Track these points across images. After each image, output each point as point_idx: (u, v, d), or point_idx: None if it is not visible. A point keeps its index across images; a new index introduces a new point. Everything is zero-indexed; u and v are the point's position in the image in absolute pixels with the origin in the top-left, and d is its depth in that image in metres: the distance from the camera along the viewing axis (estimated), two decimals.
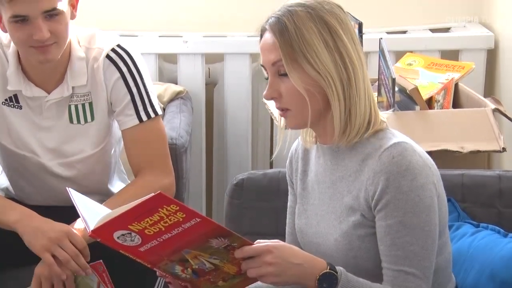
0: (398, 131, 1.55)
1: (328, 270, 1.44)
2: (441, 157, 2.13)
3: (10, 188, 2.13)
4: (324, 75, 1.48)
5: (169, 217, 1.36)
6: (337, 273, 1.45)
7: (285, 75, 1.49)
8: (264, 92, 1.53)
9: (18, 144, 2.02)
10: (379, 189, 1.47)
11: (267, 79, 1.54)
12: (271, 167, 2.95)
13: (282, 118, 1.57)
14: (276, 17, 1.50)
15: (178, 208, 1.35)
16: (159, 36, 2.91)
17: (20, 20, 1.83)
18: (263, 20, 1.53)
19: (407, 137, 1.53)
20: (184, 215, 1.36)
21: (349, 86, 1.49)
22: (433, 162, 1.53)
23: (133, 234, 1.40)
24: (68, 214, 1.85)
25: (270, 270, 1.42)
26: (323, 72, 1.47)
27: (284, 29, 1.48)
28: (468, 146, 2.17)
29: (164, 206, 1.35)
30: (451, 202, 1.93)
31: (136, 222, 1.38)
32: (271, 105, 2.40)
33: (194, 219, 1.37)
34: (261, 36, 1.54)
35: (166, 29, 2.95)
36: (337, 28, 1.49)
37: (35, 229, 1.83)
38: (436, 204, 1.49)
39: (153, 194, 1.34)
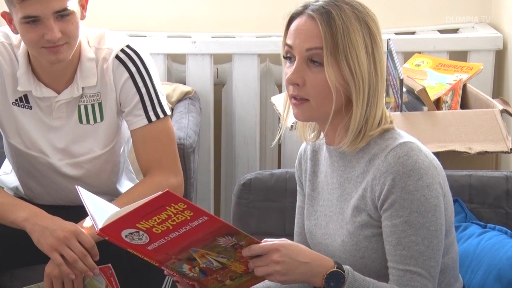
0: (404, 132, 1.55)
1: (335, 269, 1.44)
2: (449, 157, 2.13)
3: (20, 187, 2.14)
4: (357, 78, 1.48)
5: (177, 216, 1.37)
6: (344, 271, 1.45)
7: (316, 65, 1.49)
8: (288, 75, 1.50)
9: (27, 144, 2.03)
10: (385, 189, 1.48)
11: (286, 58, 1.52)
12: (278, 167, 2.96)
13: (286, 114, 1.56)
14: (321, 6, 1.49)
15: (185, 206, 1.35)
16: (168, 37, 2.92)
17: (31, 21, 1.84)
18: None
19: (413, 137, 1.53)
20: (192, 214, 1.36)
21: (374, 95, 1.50)
22: (438, 162, 1.53)
23: (141, 232, 1.40)
24: (77, 213, 1.86)
25: (278, 268, 1.43)
26: (358, 75, 1.48)
27: (332, 21, 1.47)
28: (476, 147, 2.17)
29: (172, 204, 1.35)
30: (459, 202, 1.93)
31: (144, 221, 1.38)
32: (279, 105, 2.40)
33: (201, 218, 1.37)
34: (292, 18, 1.52)
35: (174, 29, 2.95)
36: (377, 36, 1.50)
37: (44, 228, 1.84)
38: (442, 204, 1.49)
39: (160, 192, 1.34)
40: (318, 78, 1.48)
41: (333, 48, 1.47)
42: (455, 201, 1.89)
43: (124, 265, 1.81)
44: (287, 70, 1.52)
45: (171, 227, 1.39)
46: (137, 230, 1.40)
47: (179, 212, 1.36)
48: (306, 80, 1.49)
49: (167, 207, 1.36)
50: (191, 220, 1.37)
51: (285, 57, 1.52)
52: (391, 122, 1.54)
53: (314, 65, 1.49)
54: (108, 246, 1.55)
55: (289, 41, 1.51)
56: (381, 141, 1.52)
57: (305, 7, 1.51)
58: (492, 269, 1.72)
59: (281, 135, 1.63)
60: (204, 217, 1.37)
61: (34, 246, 1.85)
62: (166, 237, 1.41)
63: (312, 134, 1.62)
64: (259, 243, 1.44)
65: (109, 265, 1.84)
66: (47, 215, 1.88)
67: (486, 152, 2.17)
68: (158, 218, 1.37)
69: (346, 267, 1.46)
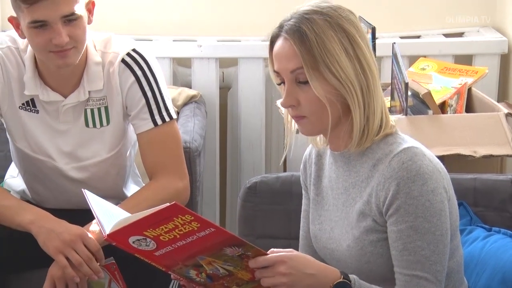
0: (408, 136, 1.56)
1: (341, 280, 1.45)
2: (454, 161, 2.13)
3: (27, 191, 2.14)
4: (345, 83, 1.48)
5: (184, 226, 1.37)
6: (350, 281, 1.45)
7: (304, 83, 1.49)
8: (282, 100, 1.52)
9: (34, 148, 2.03)
10: (390, 195, 1.48)
11: (279, 84, 1.54)
12: (284, 170, 2.96)
13: (289, 117, 1.57)
14: (293, 24, 1.49)
15: (192, 218, 1.36)
16: (174, 41, 2.93)
17: (39, 25, 1.84)
18: (274, 26, 1.53)
19: (416, 142, 1.54)
20: (199, 225, 1.37)
21: (368, 93, 1.50)
22: (443, 166, 1.53)
23: (148, 239, 1.41)
24: (83, 217, 1.87)
25: (284, 280, 1.43)
26: (344, 80, 1.48)
27: (305, 37, 1.47)
28: (481, 151, 2.17)
29: (179, 215, 1.36)
30: (463, 206, 1.93)
31: (151, 229, 1.39)
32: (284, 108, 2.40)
33: (208, 229, 1.38)
34: (272, 42, 1.53)
35: (180, 33, 2.96)
36: (355, 35, 1.49)
37: (50, 231, 1.84)
38: (447, 208, 1.49)
39: (168, 204, 1.35)
40: (309, 95, 1.49)
41: (313, 63, 1.47)
42: (459, 204, 1.88)
43: (131, 264, 1.81)
44: (283, 92, 1.53)
45: (178, 236, 1.39)
46: (144, 237, 1.41)
47: (186, 223, 1.37)
48: (300, 100, 1.51)
49: (174, 218, 1.36)
50: (198, 230, 1.38)
51: (279, 84, 1.53)
52: (392, 126, 1.54)
53: (302, 83, 1.49)
54: (115, 246, 1.56)
55: (275, 67, 1.53)
56: (384, 146, 1.52)
57: (280, 28, 1.51)
58: (497, 272, 1.72)
59: (288, 141, 1.62)
60: (210, 228, 1.37)
61: (40, 249, 1.86)
62: (173, 245, 1.41)
63: (320, 139, 1.62)
64: (265, 254, 1.44)
65: (113, 260, 1.84)
66: (53, 218, 1.88)
67: (491, 156, 2.17)
68: (165, 228, 1.38)
69: (352, 277, 1.46)
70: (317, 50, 1.47)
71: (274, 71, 1.53)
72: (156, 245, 1.41)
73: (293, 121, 1.57)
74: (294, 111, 1.52)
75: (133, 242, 1.42)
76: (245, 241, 1.41)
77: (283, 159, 1.69)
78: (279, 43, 1.51)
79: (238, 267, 1.45)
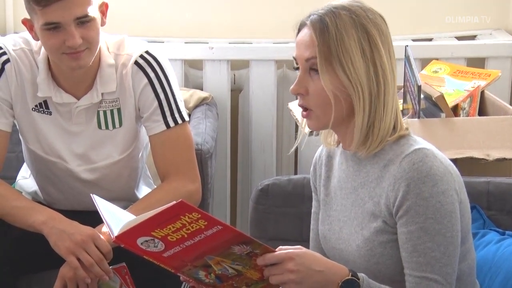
0: (420, 138, 1.55)
1: (350, 277, 1.45)
2: (467, 164, 2.13)
3: (38, 192, 2.15)
4: (355, 83, 1.48)
5: (191, 225, 1.37)
6: (359, 279, 1.45)
7: (317, 73, 1.50)
8: (292, 86, 1.53)
9: (46, 149, 2.04)
10: (400, 196, 1.47)
11: (296, 69, 1.54)
12: (295, 173, 2.96)
13: (305, 120, 1.57)
14: (319, 15, 1.50)
15: (199, 216, 1.36)
16: (185, 43, 2.93)
17: (52, 27, 1.85)
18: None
19: (429, 144, 1.53)
20: (206, 223, 1.37)
21: (377, 99, 1.49)
22: (455, 169, 1.53)
23: (156, 240, 1.41)
24: (95, 218, 1.86)
25: (292, 277, 1.43)
26: (354, 80, 1.48)
27: (325, 29, 1.48)
28: (494, 154, 2.16)
29: (186, 214, 1.36)
30: (477, 209, 1.93)
31: (159, 229, 1.39)
32: (296, 111, 2.41)
33: (216, 227, 1.38)
34: (299, 30, 1.54)
35: (192, 35, 2.97)
36: (377, 39, 1.49)
37: (61, 231, 1.85)
38: (457, 210, 1.48)
39: (175, 202, 1.35)
40: (318, 87, 1.50)
41: (327, 55, 1.48)
42: (473, 207, 1.88)
43: (142, 268, 1.81)
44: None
45: (186, 236, 1.39)
46: (152, 238, 1.41)
47: (194, 222, 1.37)
48: (309, 90, 1.51)
49: (181, 217, 1.36)
50: (205, 229, 1.38)
51: (295, 68, 1.55)
52: (406, 129, 1.54)
53: (314, 74, 1.50)
54: (126, 250, 1.56)
55: (294, 54, 1.54)
56: (396, 147, 1.52)
57: (308, 17, 1.53)
58: (511, 276, 1.72)
59: (299, 141, 1.63)
60: (218, 226, 1.38)
61: (52, 250, 1.86)
62: (181, 245, 1.41)
63: (334, 141, 1.62)
64: (274, 251, 1.44)
65: (124, 264, 1.85)
66: (65, 219, 1.89)
67: (504, 159, 2.16)
68: (173, 227, 1.38)
69: (361, 275, 1.46)
70: (334, 43, 1.47)
71: (293, 57, 1.55)
72: (164, 245, 1.42)
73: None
74: (301, 99, 1.53)
75: (142, 244, 1.42)
76: (253, 238, 1.41)
77: (291, 150, 1.69)
78: (303, 31, 1.53)
79: (247, 266, 1.45)
